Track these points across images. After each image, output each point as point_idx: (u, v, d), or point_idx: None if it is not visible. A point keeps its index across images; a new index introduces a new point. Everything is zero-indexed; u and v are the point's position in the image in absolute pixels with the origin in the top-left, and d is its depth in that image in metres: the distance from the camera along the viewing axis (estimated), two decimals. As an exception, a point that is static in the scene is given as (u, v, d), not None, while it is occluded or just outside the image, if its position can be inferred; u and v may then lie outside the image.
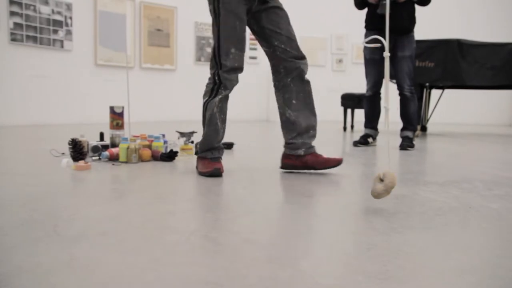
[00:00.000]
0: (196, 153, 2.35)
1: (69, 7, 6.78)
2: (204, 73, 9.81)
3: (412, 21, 3.61)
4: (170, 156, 2.64)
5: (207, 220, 1.34)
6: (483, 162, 2.98)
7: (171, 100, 8.17)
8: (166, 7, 8.09)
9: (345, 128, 6.15)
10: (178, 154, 2.85)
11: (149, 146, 2.73)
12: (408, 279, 0.92)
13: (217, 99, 2.21)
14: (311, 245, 1.13)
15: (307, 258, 1.03)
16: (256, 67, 9.06)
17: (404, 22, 3.57)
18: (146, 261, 0.98)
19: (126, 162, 2.55)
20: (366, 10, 3.75)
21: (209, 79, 2.26)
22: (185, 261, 0.99)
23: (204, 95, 2.31)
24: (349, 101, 6.06)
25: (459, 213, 1.50)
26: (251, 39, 8.99)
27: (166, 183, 1.99)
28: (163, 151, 2.75)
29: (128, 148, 2.55)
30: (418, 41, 4.90)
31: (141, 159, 2.61)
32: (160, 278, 0.89)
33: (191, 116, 8.29)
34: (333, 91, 8.63)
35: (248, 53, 9.00)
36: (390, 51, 3.65)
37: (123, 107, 3.10)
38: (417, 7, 3.66)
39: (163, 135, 2.97)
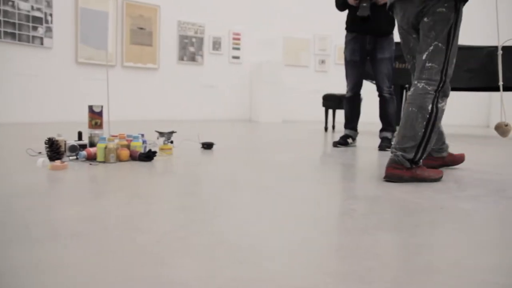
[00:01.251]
0: (418, 160, 2.19)
1: (49, 3, 6.69)
2: (186, 72, 9.83)
3: (391, 23, 3.66)
4: (148, 156, 2.63)
5: (181, 221, 1.34)
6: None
7: (153, 99, 8.13)
8: (149, 6, 8.04)
9: (326, 129, 6.19)
10: (157, 154, 2.84)
11: (128, 146, 2.71)
12: (376, 279, 0.93)
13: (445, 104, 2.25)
14: (282, 245, 1.14)
15: (277, 258, 1.04)
16: (239, 66, 9.07)
17: (383, 25, 3.61)
18: (115, 262, 0.98)
19: (103, 162, 2.53)
20: (347, 12, 3.78)
21: (432, 81, 2.19)
22: (154, 262, 0.99)
23: (429, 104, 2.18)
24: (330, 101, 6.11)
25: (431, 214, 1.53)
26: (234, 38, 9.00)
27: (143, 183, 1.98)
28: (142, 151, 2.74)
29: (106, 148, 2.53)
30: (399, 43, 4.96)
31: (119, 159, 2.59)
32: (127, 279, 0.89)
33: (174, 116, 8.26)
34: (315, 91, 8.67)
35: (230, 52, 9.01)
36: (369, 53, 3.69)
37: (102, 106, 3.07)
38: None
39: (142, 135, 2.95)
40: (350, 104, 3.84)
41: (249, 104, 9.21)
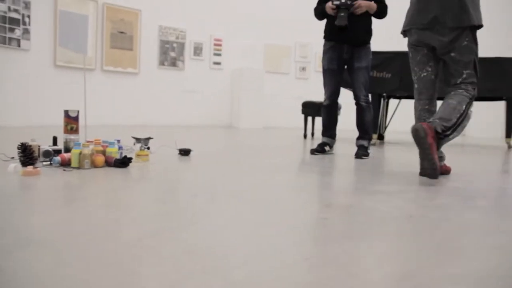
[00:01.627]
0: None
1: (27, 5, 6.60)
2: (167, 77, 9.81)
3: (368, 33, 3.72)
4: (123, 162, 2.62)
5: (152, 229, 1.34)
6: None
7: (133, 104, 8.08)
8: (130, 10, 8.01)
9: (305, 136, 6.24)
10: (133, 160, 2.83)
11: (103, 152, 2.69)
12: (338, 289, 0.95)
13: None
14: (252, 254, 1.15)
15: (243, 268, 1.05)
16: (220, 72, 9.08)
17: (360, 34, 3.67)
18: (81, 271, 0.97)
19: (78, 168, 2.50)
20: (325, 21, 3.83)
21: (469, 91, 2.65)
22: (121, 271, 0.99)
23: (464, 104, 2.60)
24: (310, 109, 6.16)
25: (399, 223, 1.56)
26: (215, 44, 9.01)
27: (116, 190, 1.97)
28: (118, 157, 2.72)
29: (80, 153, 2.51)
30: (376, 52, 5.05)
31: (94, 165, 2.57)
32: (92, 290, 0.89)
33: (154, 121, 8.21)
34: (296, 98, 8.73)
35: (212, 58, 9.02)
36: (347, 62, 3.75)
37: (78, 111, 3.04)
38: (373, 19, 3.77)
39: (118, 141, 2.93)
40: (327, 112, 3.89)
41: (229, 110, 9.22)
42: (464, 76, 2.66)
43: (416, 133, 2.49)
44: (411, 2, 2.83)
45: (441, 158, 2.83)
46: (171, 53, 8.57)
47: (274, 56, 9.60)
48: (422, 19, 2.69)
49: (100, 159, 2.59)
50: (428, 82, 2.77)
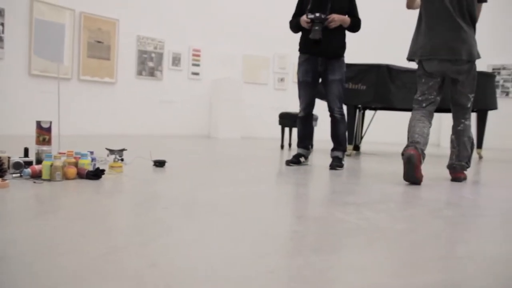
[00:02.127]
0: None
1: (1, 12, 6.52)
2: (145, 87, 9.76)
3: (342, 46, 3.79)
4: (96, 174, 2.59)
5: (117, 243, 1.34)
6: (403, 182, 3.15)
7: (110, 114, 8.00)
8: (108, 19, 7.96)
9: (282, 146, 6.28)
10: (106, 172, 2.80)
11: (75, 164, 2.66)
12: (299, 302, 0.96)
13: None
14: (217, 268, 1.15)
15: (206, 283, 1.05)
16: (199, 83, 9.09)
17: (334, 48, 3.74)
18: (40, 287, 0.97)
19: (49, 180, 2.47)
20: (300, 34, 3.89)
21: (470, 121, 3.35)
22: (80, 286, 0.98)
23: (470, 129, 3.36)
24: (287, 120, 6.21)
25: (367, 235, 1.59)
26: (194, 55, 9.03)
27: (86, 203, 1.95)
28: (90, 168, 2.69)
29: (52, 165, 2.48)
30: (352, 65, 5.14)
31: (65, 177, 2.54)
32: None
33: (131, 131, 8.14)
34: (274, 108, 8.79)
35: (190, 68, 9.02)
36: (321, 74, 3.80)
37: (50, 122, 3.01)
38: (347, 33, 3.84)
39: (91, 152, 2.90)
40: (303, 123, 3.93)
41: (208, 120, 9.22)
42: (471, 100, 3.28)
43: (459, 180, 3.25)
44: (421, 32, 3.27)
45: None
46: (149, 63, 8.54)
47: (252, 67, 9.66)
48: (443, 52, 3.15)
49: (72, 171, 2.56)
50: (434, 102, 3.31)
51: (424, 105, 3.28)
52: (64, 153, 2.72)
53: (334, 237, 1.54)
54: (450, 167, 3.33)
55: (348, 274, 1.16)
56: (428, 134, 3.15)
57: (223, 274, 1.12)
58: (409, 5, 3.48)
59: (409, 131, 3.18)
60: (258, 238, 1.48)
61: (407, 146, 3.09)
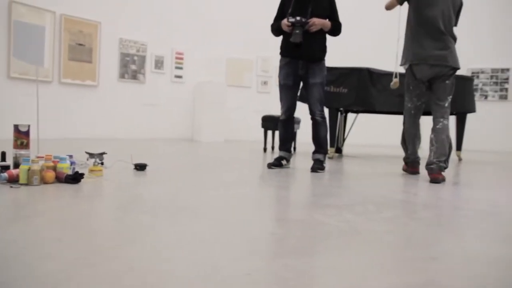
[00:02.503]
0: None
1: (-21, 15, 6.39)
2: (127, 90, 9.63)
3: (323, 50, 3.82)
4: (75, 178, 2.56)
5: (95, 247, 1.33)
6: (383, 184, 3.19)
7: (92, 117, 7.91)
8: (89, 22, 7.88)
9: (265, 149, 6.29)
10: (86, 176, 2.77)
11: (54, 168, 2.63)
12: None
13: None
14: (194, 271, 1.15)
15: (187, 285, 1.05)
16: (182, 86, 9.05)
17: (315, 51, 3.76)
18: (14, 294, 0.95)
19: (26, 185, 2.43)
20: (281, 37, 3.91)
21: (448, 120, 3.59)
22: (56, 293, 0.97)
23: (448, 129, 3.58)
24: (269, 122, 6.23)
25: (345, 237, 1.60)
26: (177, 58, 8.99)
27: (64, 207, 1.93)
28: (69, 172, 2.66)
29: (29, 169, 2.44)
30: (333, 68, 5.18)
31: (43, 182, 2.50)
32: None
33: (114, 134, 8.07)
34: (258, 111, 8.80)
35: (173, 71, 8.98)
36: (302, 78, 3.82)
37: (29, 126, 2.96)
38: (328, 37, 3.87)
39: (71, 156, 2.87)
40: (284, 126, 3.95)
41: (191, 124, 9.18)
42: (449, 101, 3.57)
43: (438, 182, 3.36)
44: (409, 36, 3.59)
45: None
46: (131, 66, 8.47)
47: (236, 70, 9.66)
48: (434, 58, 3.48)
49: (50, 175, 2.52)
50: (420, 109, 3.74)
51: (413, 112, 3.73)
52: (42, 157, 2.68)
53: (313, 240, 1.55)
54: (428, 166, 3.43)
55: (327, 276, 1.17)
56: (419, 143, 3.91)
57: (200, 277, 1.12)
58: (389, 8, 3.78)
59: (408, 143, 3.84)
60: (236, 241, 1.49)
61: (413, 163, 3.85)
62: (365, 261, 1.33)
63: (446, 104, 3.56)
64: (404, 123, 3.91)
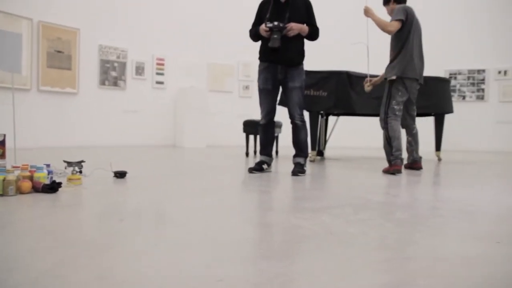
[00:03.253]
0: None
1: (-46, 24, 6.29)
2: (108, 97, 9.56)
3: (301, 54, 3.85)
4: (52, 187, 2.53)
5: (66, 257, 1.32)
6: (363, 186, 3.23)
7: (72, 125, 7.83)
8: (68, 29, 7.81)
9: (247, 154, 6.30)
10: (64, 185, 2.75)
11: (30, 177, 2.59)
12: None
13: None
14: (162, 280, 1.15)
15: (154, 293, 1.05)
16: (163, 92, 9.02)
17: (293, 56, 3.79)
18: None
19: (1, 195, 2.40)
20: (260, 42, 3.93)
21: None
22: (24, 304, 0.97)
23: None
24: (251, 127, 6.24)
25: (319, 240, 1.62)
26: (157, 64, 8.97)
27: (39, 217, 1.91)
28: (47, 182, 2.63)
29: (4, 179, 2.41)
30: (312, 72, 5.22)
31: (20, 192, 2.47)
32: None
33: (94, 142, 7.99)
34: (240, 116, 8.81)
35: (154, 78, 8.95)
36: (281, 82, 3.85)
37: (4, 135, 2.93)
38: (306, 41, 3.91)
39: (48, 165, 2.84)
40: (264, 131, 3.97)
41: (173, 130, 9.15)
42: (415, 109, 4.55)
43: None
44: (408, 55, 4.13)
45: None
46: (112, 73, 8.41)
47: (217, 75, 9.66)
48: (420, 77, 4.28)
49: (26, 185, 2.49)
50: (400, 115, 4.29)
51: (398, 113, 4.18)
52: (19, 167, 2.65)
53: (288, 244, 1.56)
54: (413, 161, 4.45)
55: (300, 280, 1.18)
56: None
57: (171, 285, 1.12)
58: (393, 32, 4.16)
59: (397, 141, 4.13)
60: (209, 247, 1.49)
61: (396, 159, 4.09)
62: (339, 264, 1.34)
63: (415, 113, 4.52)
64: (386, 127, 4.19)
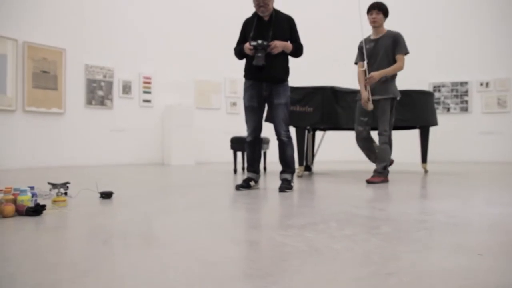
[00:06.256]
0: None
1: None
2: (95, 116, 9.57)
3: (285, 71, 3.90)
4: (36, 210, 2.51)
5: (45, 282, 1.30)
6: (348, 200, 3.24)
7: (59, 145, 7.78)
8: (53, 49, 7.81)
9: (235, 170, 6.31)
10: (48, 207, 2.72)
11: (14, 201, 2.57)
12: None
13: None
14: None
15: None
16: (150, 110, 9.02)
17: (278, 73, 3.84)
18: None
19: (-16, 219, 2.37)
20: (245, 60, 3.97)
21: None
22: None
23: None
24: (238, 144, 6.26)
25: (303, 258, 1.62)
26: (144, 82, 8.98)
27: (21, 241, 1.89)
28: (31, 204, 2.60)
29: (-14, 203, 2.38)
30: (298, 88, 5.28)
31: (2, 215, 2.44)
32: None
33: (81, 162, 7.93)
34: (227, 133, 8.82)
35: (141, 96, 8.95)
36: (267, 99, 3.89)
37: (-13, 158, 2.90)
38: (290, 58, 3.96)
39: (32, 187, 2.81)
40: (251, 147, 3.98)
41: (161, 147, 9.13)
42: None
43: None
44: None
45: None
46: (98, 92, 8.41)
47: (204, 92, 9.71)
48: None
49: (9, 208, 2.47)
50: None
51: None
52: (1, 190, 2.63)
53: (269, 261, 1.56)
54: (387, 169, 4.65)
55: (279, 298, 1.19)
56: None
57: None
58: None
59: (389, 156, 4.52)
60: (191, 266, 1.49)
61: (386, 171, 4.53)
62: (321, 281, 1.35)
63: None
64: (390, 142, 4.51)
